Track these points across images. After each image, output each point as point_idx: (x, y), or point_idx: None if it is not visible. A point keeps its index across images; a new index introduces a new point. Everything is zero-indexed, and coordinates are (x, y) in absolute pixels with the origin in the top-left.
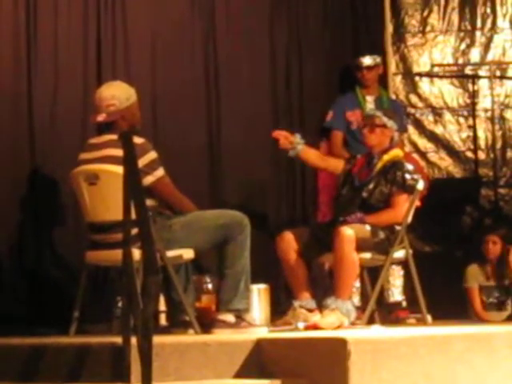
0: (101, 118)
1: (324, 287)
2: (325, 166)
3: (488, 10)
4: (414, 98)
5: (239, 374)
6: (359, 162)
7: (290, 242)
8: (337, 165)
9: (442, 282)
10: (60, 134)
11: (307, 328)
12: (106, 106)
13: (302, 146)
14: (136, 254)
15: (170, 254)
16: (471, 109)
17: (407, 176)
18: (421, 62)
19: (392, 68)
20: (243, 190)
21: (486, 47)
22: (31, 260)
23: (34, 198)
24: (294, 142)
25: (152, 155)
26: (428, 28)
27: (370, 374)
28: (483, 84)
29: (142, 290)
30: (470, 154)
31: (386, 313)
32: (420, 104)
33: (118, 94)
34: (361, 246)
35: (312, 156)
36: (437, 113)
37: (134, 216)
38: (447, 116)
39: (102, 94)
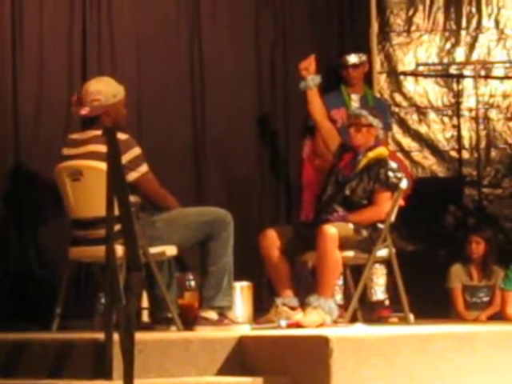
0: (84, 111)
1: (307, 285)
2: (324, 125)
3: (473, 10)
4: (398, 97)
5: (221, 372)
6: (346, 157)
7: (273, 240)
8: (334, 137)
9: (425, 281)
10: (44, 131)
11: (290, 326)
12: (90, 100)
13: (315, 88)
14: (119, 250)
15: (153, 250)
16: (456, 108)
17: (390, 174)
18: (406, 61)
19: (377, 67)
20: (227, 187)
21: (471, 47)
22: (14, 256)
23: (17, 194)
24: (310, 74)
25: (136, 151)
26: (413, 27)
27: (352, 372)
28: (468, 83)
29: (125, 286)
30: (454, 154)
31: (369, 311)
32: (404, 103)
33: (105, 90)
34: (344, 245)
35: (317, 104)
36: (421, 112)
37: (117, 212)
38: (431, 115)
39: (88, 88)
